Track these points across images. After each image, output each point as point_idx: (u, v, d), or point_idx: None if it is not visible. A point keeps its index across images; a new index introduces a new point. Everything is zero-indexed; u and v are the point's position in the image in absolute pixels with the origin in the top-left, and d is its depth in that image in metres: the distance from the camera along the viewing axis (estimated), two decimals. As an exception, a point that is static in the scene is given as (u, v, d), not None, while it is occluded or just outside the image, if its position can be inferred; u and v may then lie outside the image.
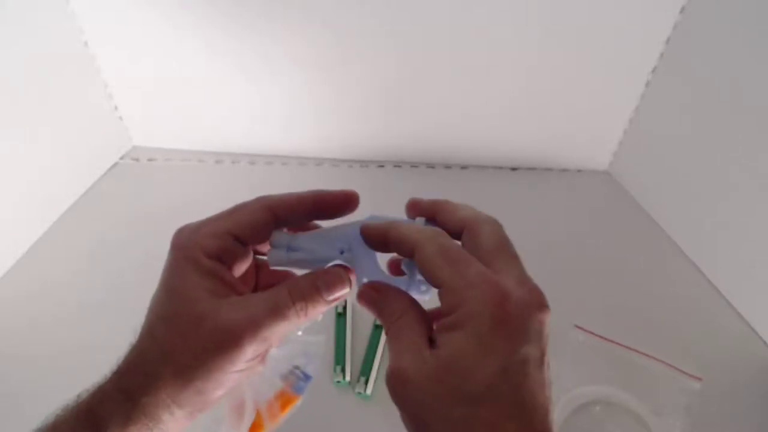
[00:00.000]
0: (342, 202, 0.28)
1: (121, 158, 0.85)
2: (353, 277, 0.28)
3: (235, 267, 0.27)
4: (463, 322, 0.21)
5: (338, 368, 0.51)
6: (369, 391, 0.49)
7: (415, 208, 0.28)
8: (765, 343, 0.57)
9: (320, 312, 0.26)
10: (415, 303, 0.25)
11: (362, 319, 0.57)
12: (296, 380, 0.46)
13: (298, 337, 0.48)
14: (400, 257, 0.27)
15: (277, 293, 0.25)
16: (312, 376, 0.47)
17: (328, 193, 0.28)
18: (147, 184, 0.81)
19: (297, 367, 0.47)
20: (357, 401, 0.50)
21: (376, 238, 0.27)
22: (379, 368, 0.52)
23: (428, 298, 0.27)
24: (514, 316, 0.21)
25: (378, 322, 0.55)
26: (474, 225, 0.25)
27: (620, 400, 0.48)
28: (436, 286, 0.23)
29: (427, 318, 0.24)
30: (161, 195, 0.78)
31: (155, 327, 0.25)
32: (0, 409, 0.48)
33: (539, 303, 0.22)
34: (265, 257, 0.29)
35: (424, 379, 0.20)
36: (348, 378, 0.50)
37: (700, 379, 0.47)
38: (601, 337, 0.52)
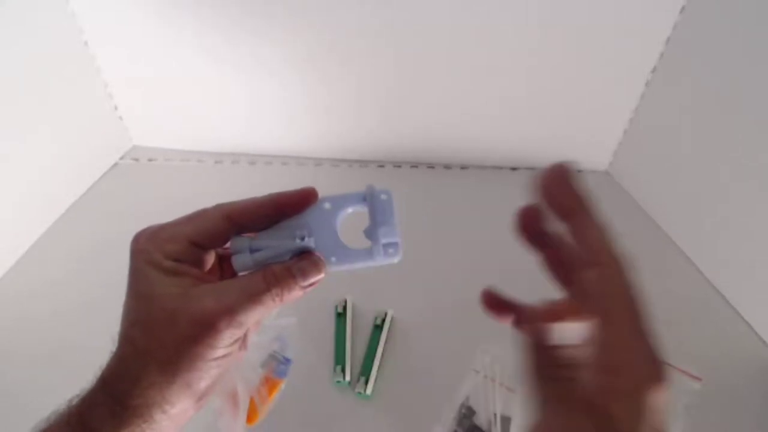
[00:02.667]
0: (299, 202, 0.28)
1: (121, 158, 0.85)
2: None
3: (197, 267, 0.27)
4: (630, 393, 0.20)
5: (338, 368, 0.51)
6: (369, 391, 0.49)
7: (554, 190, 0.22)
8: (765, 343, 0.57)
9: (296, 298, 0.27)
10: None
11: (362, 319, 0.57)
12: (277, 365, 0.47)
13: (271, 322, 0.49)
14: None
15: (251, 279, 0.26)
16: (291, 359, 0.47)
17: (285, 194, 0.28)
18: (147, 184, 0.81)
19: (275, 352, 0.48)
20: (357, 401, 0.50)
21: (562, 202, 0.22)
22: (379, 368, 0.52)
23: (397, 261, 0.28)
24: (662, 405, 0.20)
25: (378, 322, 0.55)
26: (608, 264, 0.22)
27: (620, 400, 0.48)
28: (599, 320, 0.21)
29: None
30: (161, 195, 0.78)
31: (131, 332, 0.25)
32: (0, 406, 0.48)
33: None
34: (227, 247, 0.29)
35: None
36: (348, 378, 0.50)
37: (700, 379, 0.47)
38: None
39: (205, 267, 0.28)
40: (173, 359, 0.24)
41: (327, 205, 0.28)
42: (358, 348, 0.54)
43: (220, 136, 0.85)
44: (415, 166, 0.86)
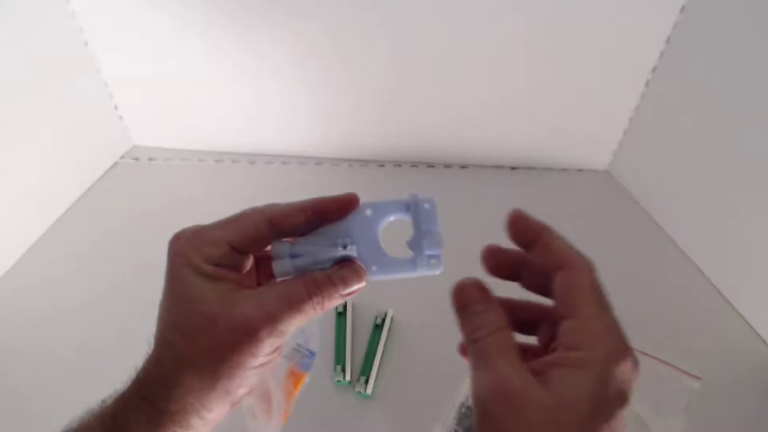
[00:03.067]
0: (342, 208, 0.28)
1: (121, 158, 0.85)
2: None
3: (236, 271, 0.27)
4: (590, 364, 0.21)
5: (338, 368, 0.51)
6: (369, 390, 0.49)
7: (517, 226, 0.26)
8: (765, 342, 0.57)
9: (336, 305, 0.27)
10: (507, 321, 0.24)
11: (362, 318, 0.57)
12: (301, 358, 0.47)
13: None
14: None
15: (292, 287, 0.25)
16: (315, 352, 0.48)
17: (327, 199, 0.27)
18: (147, 183, 0.81)
19: (299, 345, 0.48)
20: (357, 401, 0.50)
21: (525, 234, 0.25)
22: (379, 368, 0.52)
23: (438, 273, 0.28)
24: (630, 377, 0.21)
25: (378, 322, 0.55)
26: (573, 264, 0.24)
27: (620, 399, 0.48)
28: (566, 314, 0.22)
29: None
30: (161, 195, 0.78)
31: (169, 335, 0.24)
32: (1, 405, 0.48)
33: (638, 367, 0.22)
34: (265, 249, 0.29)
35: (541, 412, 0.20)
36: (348, 377, 0.50)
37: (699, 378, 0.47)
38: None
39: (243, 271, 0.28)
40: (213, 366, 0.23)
41: (369, 212, 0.28)
42: (358, 348, 0.54)
43: (221, 135, 0.85)
44: (415, 165, 0.86)
